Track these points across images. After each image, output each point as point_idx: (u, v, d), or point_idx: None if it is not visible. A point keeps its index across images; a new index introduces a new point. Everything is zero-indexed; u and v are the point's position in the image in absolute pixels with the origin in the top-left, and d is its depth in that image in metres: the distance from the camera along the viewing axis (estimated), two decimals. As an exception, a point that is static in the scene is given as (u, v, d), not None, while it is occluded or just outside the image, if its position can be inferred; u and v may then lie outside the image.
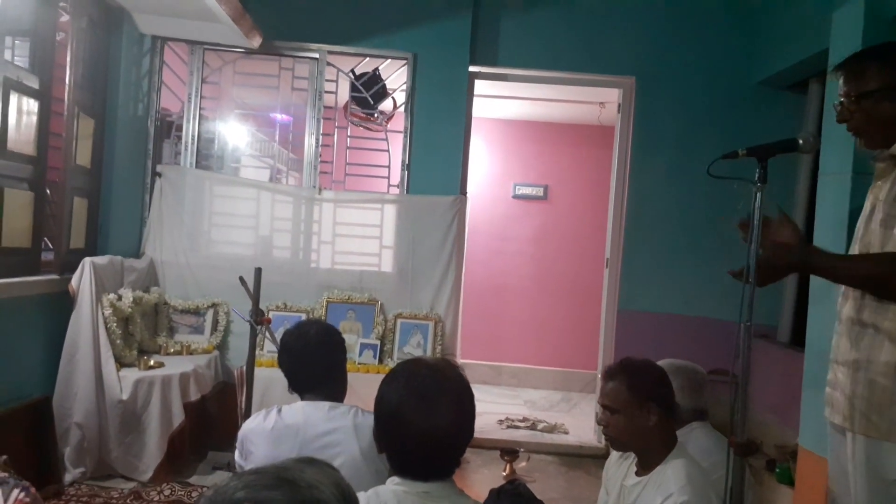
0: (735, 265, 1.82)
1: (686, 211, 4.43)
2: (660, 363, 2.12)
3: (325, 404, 1.93)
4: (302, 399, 1.99)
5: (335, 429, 1.88)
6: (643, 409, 1.88)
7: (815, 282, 3.04)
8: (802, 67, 3.95)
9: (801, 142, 1.78)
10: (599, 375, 4.65)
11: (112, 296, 3.49)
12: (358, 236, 4.44)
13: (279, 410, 1.93)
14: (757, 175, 1.78)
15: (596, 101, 5.67)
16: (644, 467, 1.91)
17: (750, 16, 4.43)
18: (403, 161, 4.40)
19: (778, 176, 4.14)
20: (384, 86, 4.46)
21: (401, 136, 4.41)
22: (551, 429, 4.84)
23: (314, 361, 1.99)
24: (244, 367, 3.05)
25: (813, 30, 3.63)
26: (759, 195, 1.76)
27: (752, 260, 1.74)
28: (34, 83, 3.16)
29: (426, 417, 1.30)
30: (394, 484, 1.36)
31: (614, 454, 2.12)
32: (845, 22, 3.05)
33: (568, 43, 4.51)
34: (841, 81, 1.84)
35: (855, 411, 1.75)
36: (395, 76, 4.46)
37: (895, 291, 1.68)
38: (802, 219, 4.05)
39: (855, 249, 1.86)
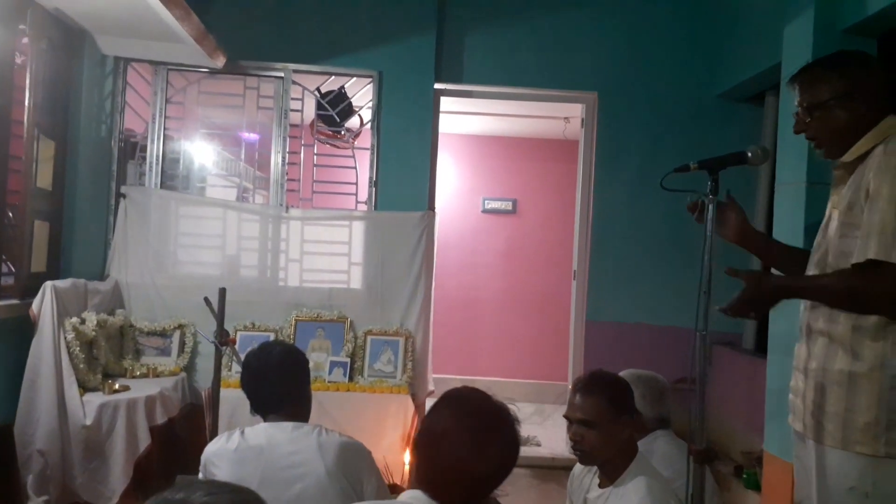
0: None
1: (650, 222, 4.49)
2: (621, 374, 2.16)
3: (289, 425, 1.93)
4: (265, 420, 1.98)
5: (299, 449, 1.87)
6: (618, 423, 1.90)
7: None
8: (758, 80, 4.06)
9: (749, 154, 1.83)
10: (570, 388, 4.68)
11: (75, 319, 3.43)
12: (326, 254, 4.42)
13: (242, 432, 1.92)
14: (708, 187, 1.82)
15: (560, 116, 5.75)
16: (606, 478, 1.93)
17: (708, 31, 4.53)
18: (371, 178, 4.41)
19: (738, 186, 4.24)
20: (350, 103, 4.48)
21: (368, 152, 4.43)
22: (524, 441, 4.83)
23: (275, 383, 1.98)
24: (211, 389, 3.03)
25: (767, 44, 3.73)
26: (710, 207, 1.81)
27: (707, 272, 1.79)
28: (-8, 106, 3.12)
29: (468, 455, 1.31)
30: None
31: (578, 466, 2.14)
32: (796, 36, 3.15)
33: (531, 60, 4.57)
34: (795, 92, 1.88)
35: (812, 420, 1.77)
36: (361, 94, 4.48)
37: (871, 301, 1.68)
38: (763, 227, 4.14)
39: (814, 258, 1.90)
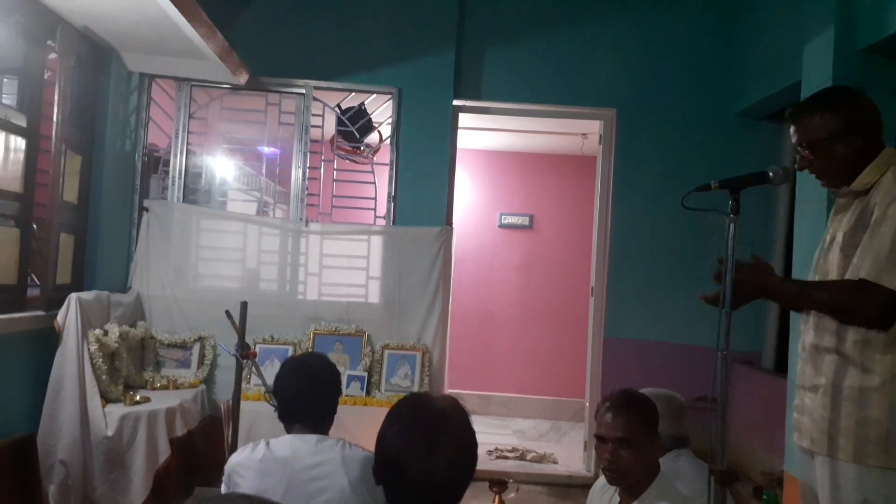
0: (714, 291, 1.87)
1: (669, 239, 4.49)
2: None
3: (313, 437, 1.95)
4: (288, 431, 2.00)
5: (323, 462, 1.90)
6: (652, 441, 1.91)
7: (795, 308, 3.10)
8: (779, 98, 4.05)
9: (771, 175, 1.84)
10: (588, 405, 4.67)
11: (98, 331, 3.48)
12: (345, 268, 4.46)
13: (267, 443, 1.94)
14: (730, 207, 1.83)
15: (578, 133, 5.76)
16: (628, 495, 1.93)
17: (727, 48, 4.55)
18: (390, 193, 4.45)
19: (758, 204, 4.26)
20: (370, 120, 4.53)
21: (387, 168, 4.47)
22: (540, 458, 4.83)
23: (311, 394, 2.02)
24: (231, 401, 3.05)
25: (786, 62, 3.74)
26: (732, 226, 1.81)
27: (728, 290, 1.79)
28: (22, 121, 3.18)
29: (425, 468, 1.29)
30: None
31: (598, 482, 2.13)
32: (816, 54, 3.15)
33: (549, 76, 4.60)
34: (793, 133, 1.93)
35: (823, 435, 1.80)
36: (381, 110, 4.53)
37: (856, 317, 1.76)
38: (782, 246, 4.12)
39: (814, 279, 1.94)
